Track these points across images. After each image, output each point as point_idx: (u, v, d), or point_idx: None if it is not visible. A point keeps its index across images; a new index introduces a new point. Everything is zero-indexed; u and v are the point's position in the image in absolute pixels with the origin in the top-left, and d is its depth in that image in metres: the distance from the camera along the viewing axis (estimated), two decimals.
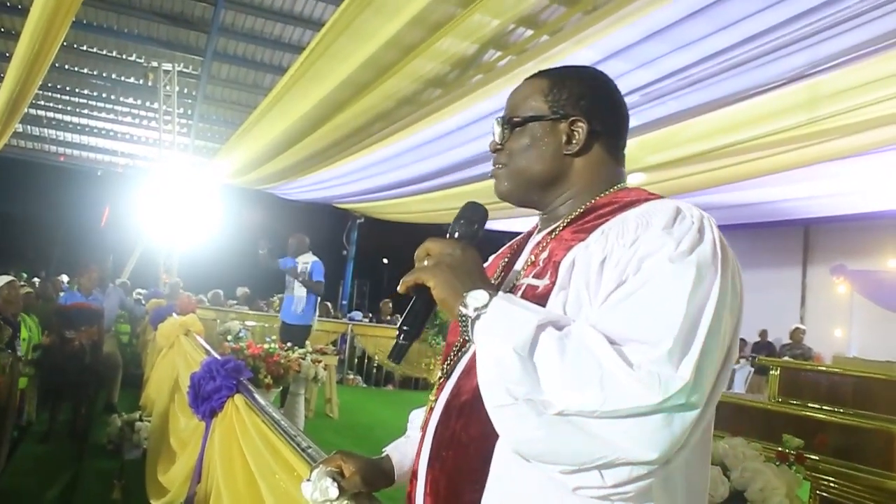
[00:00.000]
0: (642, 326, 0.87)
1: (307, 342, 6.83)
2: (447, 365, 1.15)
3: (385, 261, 24.88)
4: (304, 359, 6.17)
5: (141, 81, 11.88)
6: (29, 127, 14.02)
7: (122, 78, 12.14)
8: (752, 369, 9.67)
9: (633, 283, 0.91)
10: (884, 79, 4.27)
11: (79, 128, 14.20)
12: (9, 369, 4.48)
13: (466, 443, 1.03)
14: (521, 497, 0.95)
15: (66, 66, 11.61)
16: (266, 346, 5.86)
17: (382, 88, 5.94)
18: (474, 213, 1.14)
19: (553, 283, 1.03)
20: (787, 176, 6.43)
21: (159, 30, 10.78)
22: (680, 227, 0.95)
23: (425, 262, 1.03)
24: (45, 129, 14.37)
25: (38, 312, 6.32)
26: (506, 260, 1.24)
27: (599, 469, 0.84)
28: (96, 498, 4.30)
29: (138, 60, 11.45)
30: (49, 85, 12.04)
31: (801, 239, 12.22)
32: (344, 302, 16.37)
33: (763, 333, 11.18)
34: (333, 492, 1.17)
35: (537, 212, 1.22)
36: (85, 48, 11.19)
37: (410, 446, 1.29)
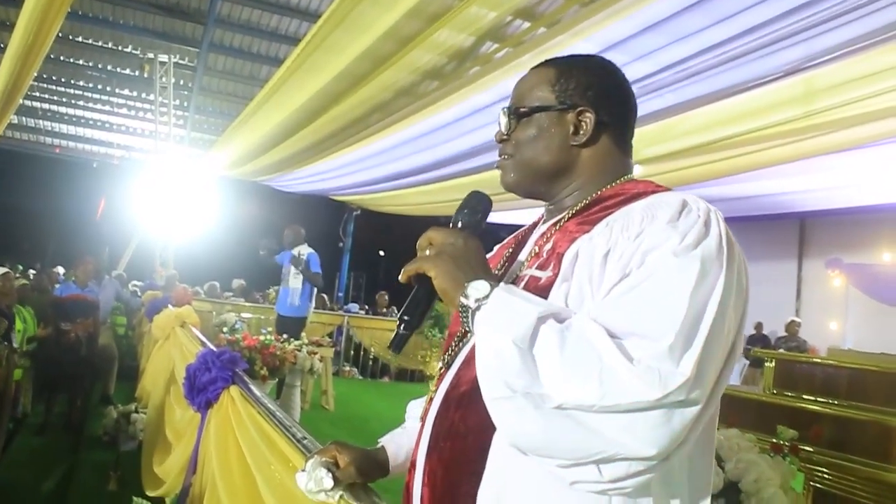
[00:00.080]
0: (644, 321, 0.86)
1: (303, 334, 6.83)
2: (448, 355, 1.14)
3: (381, 253, 24.87)
4: (300, 350, 6.17)
5: (137, 73, 11.83)
6: (24, 118, 13.97)
7: (118, 69, 12.08)
8: (748, 361, 9.69)
9: (636, 277, 0.90)
10: (880, 72, 4.26)
11: (74, 119, 14.15)
12: (4, 361, 4.49)
13: (465, 433, 1.02)
14: (518, 489, 0.94)
15: (62, 58, 11.55)
16: (261, 337, 5.87)
17: (379, 80, 5.92)
18: (478, 203, 1.12)
19: (556, 275, 1.02)
20: (783, 169, 6.41)
21: (155, 21, 10.71)
22: (685, 221, 0.94)
23: (427, 252, 1.02)
24: (41, 121, 14.31)
25: (34, 304, 6.32)
26: (510, 250, 1.22)
27: (597, 464, 0.83)
28: (92, 489, 4.31)
29: (134, 51, 11.41)
30: (44, 76, 11.99)
31: (797, 232, 12.21)
32: (340, 294, 16.40)
33: (758, 326, 11.20)
34: (328, 482, 1.17)
35: (541, 203, 1.20)
36: (80, 39, 11.13)
37: (406, 437, 1.29)
